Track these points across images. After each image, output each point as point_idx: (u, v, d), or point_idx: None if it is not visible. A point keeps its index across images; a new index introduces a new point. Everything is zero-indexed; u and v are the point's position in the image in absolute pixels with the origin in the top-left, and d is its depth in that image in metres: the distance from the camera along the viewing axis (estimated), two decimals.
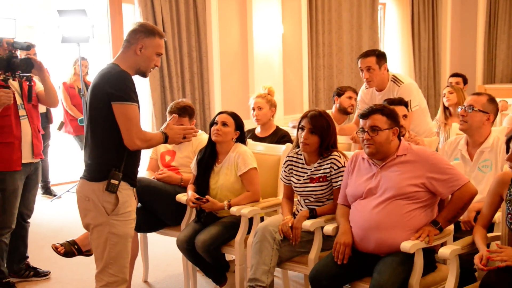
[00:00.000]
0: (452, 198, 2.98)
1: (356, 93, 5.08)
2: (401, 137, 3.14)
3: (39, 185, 6.54)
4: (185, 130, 3.06)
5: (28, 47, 3.89)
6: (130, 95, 2.83)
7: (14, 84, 3.94)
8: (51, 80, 4.17)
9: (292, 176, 3.55)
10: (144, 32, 2.93)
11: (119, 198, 2.88)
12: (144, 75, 3.02)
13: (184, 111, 4.11)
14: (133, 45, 2.93)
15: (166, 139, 2.99)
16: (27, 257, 4.36)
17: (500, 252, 2.68)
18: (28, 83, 3.89)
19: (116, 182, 2.85)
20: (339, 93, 5.16)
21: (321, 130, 3.39)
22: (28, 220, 4.28)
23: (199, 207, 3.75)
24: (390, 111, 3.12)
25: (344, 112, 5.15)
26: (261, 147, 4.17)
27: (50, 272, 4.40)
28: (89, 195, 2.90)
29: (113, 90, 2.80)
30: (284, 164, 3.61)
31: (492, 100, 3.55)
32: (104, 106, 2.82)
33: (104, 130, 2.86)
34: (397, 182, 2.99)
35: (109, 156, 2.88)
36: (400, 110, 3.80)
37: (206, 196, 3.73)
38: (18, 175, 3.98)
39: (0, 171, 3.89)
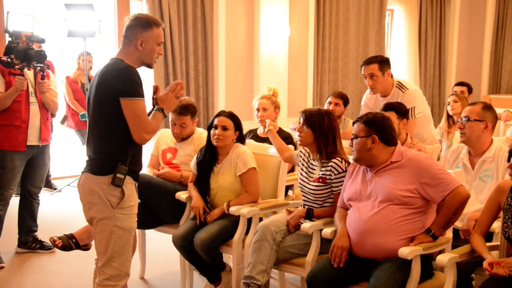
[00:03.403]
0: (444, 203, 2.93)
1: (341, 97, 5.09)
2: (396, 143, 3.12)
3: None
4: (171, 90, 3.05)
5: (43, 40, 4.41)
6: (138, 90, 2.84)
7: (29, 74, 4.40)
8: (54, 91, 4.60)
9: (301, 167, 3.58)
10: (140, 25, 2.93)
11: (125, 192, 2.89)
12: (149, 66, 3.04)
13: (186, 110, 4.10)
14: (133, 41, 2.93)
15: (164, 113, 3.00)
16: (35, 230, 4.73)
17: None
18: (41, 73, 4.35)
19: (122, 176, 2.86)
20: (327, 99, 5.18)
21: (313, 124, 3.41)
22: (37, 197, 4.70)
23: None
24: (371, 119, 3.10)
25: None
26: (262, 148, 4.16)
27: (54, 247, 4.41)
28: (94, 189, 2.89)
29: (121, 86, 2.80)
30: (300, 151, 3.66)
31: (487, 107, 3.50)
32: (111, 101, 2.81)
33: (110, 125, 2.86)
34: (390, 187, 2.98)
35: (115, 150, 2.87)
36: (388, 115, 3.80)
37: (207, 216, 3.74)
38: (18, 155, 4.41)
39: (2, 150, 4.34)
